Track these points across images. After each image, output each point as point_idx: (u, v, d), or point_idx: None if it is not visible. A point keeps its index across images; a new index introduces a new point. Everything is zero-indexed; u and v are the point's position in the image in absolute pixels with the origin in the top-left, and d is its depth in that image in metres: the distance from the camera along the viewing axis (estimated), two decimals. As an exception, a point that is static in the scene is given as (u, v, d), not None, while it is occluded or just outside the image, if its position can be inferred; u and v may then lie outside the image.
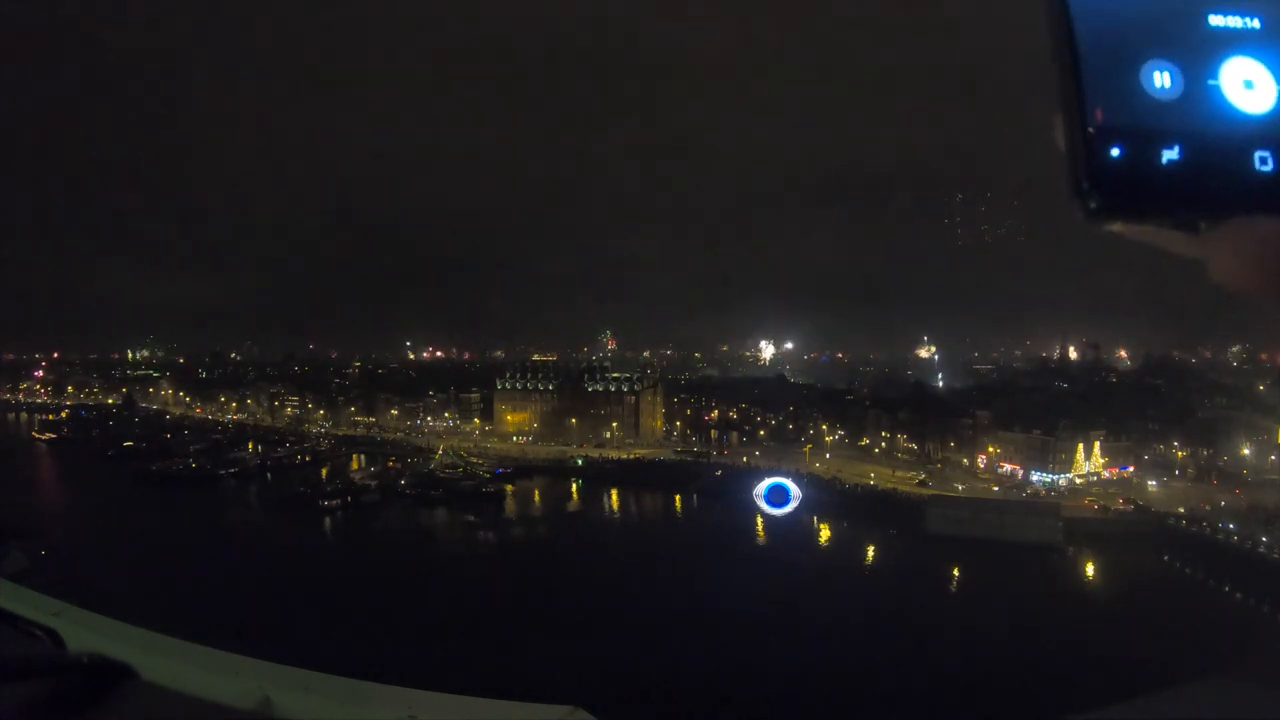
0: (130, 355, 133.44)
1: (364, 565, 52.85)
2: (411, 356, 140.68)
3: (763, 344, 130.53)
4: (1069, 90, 0.90)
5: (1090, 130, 0.88)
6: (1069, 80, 0.90)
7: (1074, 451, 70.03)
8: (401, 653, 27.71)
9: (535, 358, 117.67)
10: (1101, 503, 64.11)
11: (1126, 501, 63.59)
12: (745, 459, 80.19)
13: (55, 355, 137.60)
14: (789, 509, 49.60)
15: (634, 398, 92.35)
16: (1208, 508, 59.98)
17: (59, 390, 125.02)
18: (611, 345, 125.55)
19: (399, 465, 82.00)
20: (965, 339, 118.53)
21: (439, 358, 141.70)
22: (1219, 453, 70.15)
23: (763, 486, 50.77)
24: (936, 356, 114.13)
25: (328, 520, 67.77)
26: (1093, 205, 0.88)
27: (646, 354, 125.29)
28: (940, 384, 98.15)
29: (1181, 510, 60.18)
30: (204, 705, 1.92)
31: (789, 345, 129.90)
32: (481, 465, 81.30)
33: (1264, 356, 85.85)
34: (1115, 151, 0.88)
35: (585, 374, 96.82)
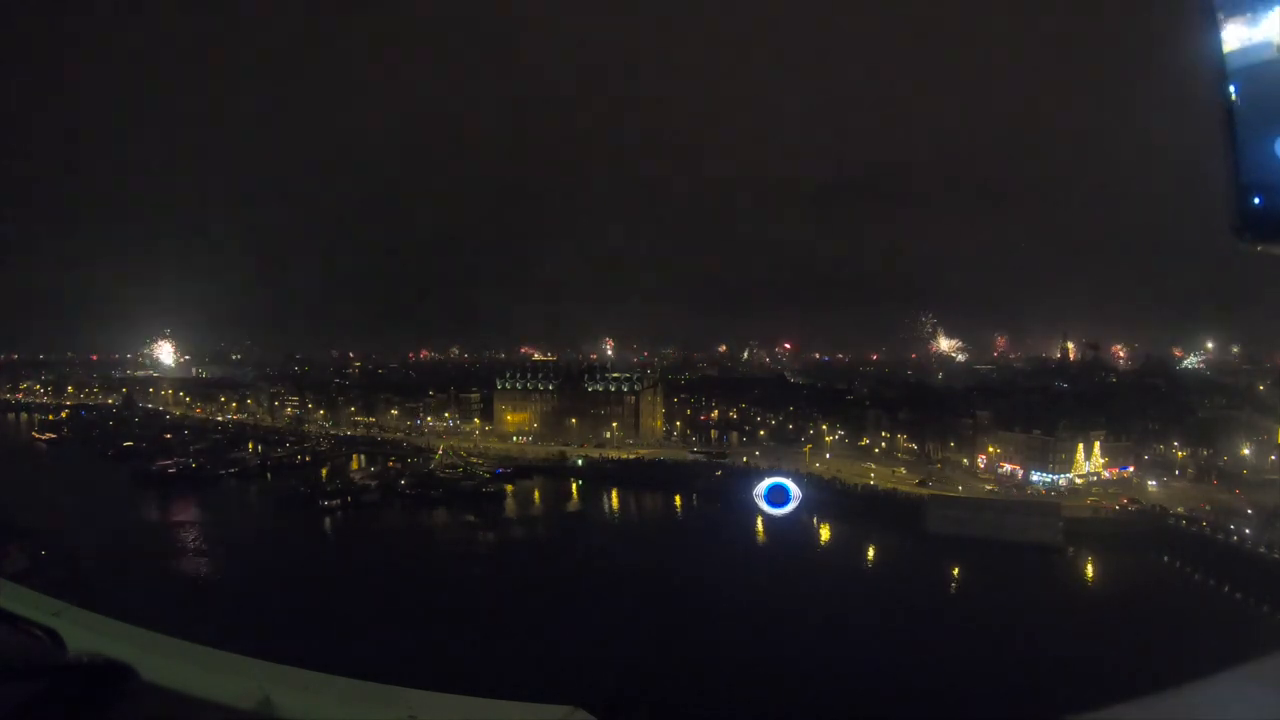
0: (144, 353, 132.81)
1: (364, 565, 52.82)
2: (412, 357, 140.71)
3: (761, 344, 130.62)
4: (1228, 155, 1.43)
5: (1240, 184, 1.43)
6: (1228, 149, 1.43)
7: (1074, 451, 70.01)
8: (401, 653, 27.73)
9: (535, 358, 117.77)
10: (1106, 502, 64.04)
11: (1131, 501, 63.52)
12: (745, 459, 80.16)
13: (55, 355, 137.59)
14: (789, 509, 49.47)
15: (634, 398, 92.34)
16: (1208, 508, 59.93)
17: (59, 390, 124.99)
18: (611, 347, 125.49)
19: (399, 465, 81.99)
20: (974, 339, 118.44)
21: (439, 358, 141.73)
22: (1219, 453, 70.12)
23: (763, 486, 50.59)
24: (958, 353, 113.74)
25: (328, 520, 67.74)
26: (1244, 236, 1.46)
27: (646, 354, 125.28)
28: (940, 382, 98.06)
29: (1181, 510, 60.14)
30: (204, 705, 1.92)
31: (789, 345, 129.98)
32: (481, 465, 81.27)
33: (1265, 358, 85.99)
34: (1257, 200, 1.45)
35: (585, 374, 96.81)
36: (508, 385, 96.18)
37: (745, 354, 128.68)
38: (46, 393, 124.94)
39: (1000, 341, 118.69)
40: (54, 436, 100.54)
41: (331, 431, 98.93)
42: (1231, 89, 1.43)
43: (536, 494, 76.96)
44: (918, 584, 49.38)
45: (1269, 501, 58.70)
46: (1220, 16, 1.45)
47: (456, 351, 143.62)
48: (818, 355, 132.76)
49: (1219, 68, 1.45)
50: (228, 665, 2.26)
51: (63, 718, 1.60)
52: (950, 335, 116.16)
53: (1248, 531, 54.44)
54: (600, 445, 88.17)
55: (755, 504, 49.92)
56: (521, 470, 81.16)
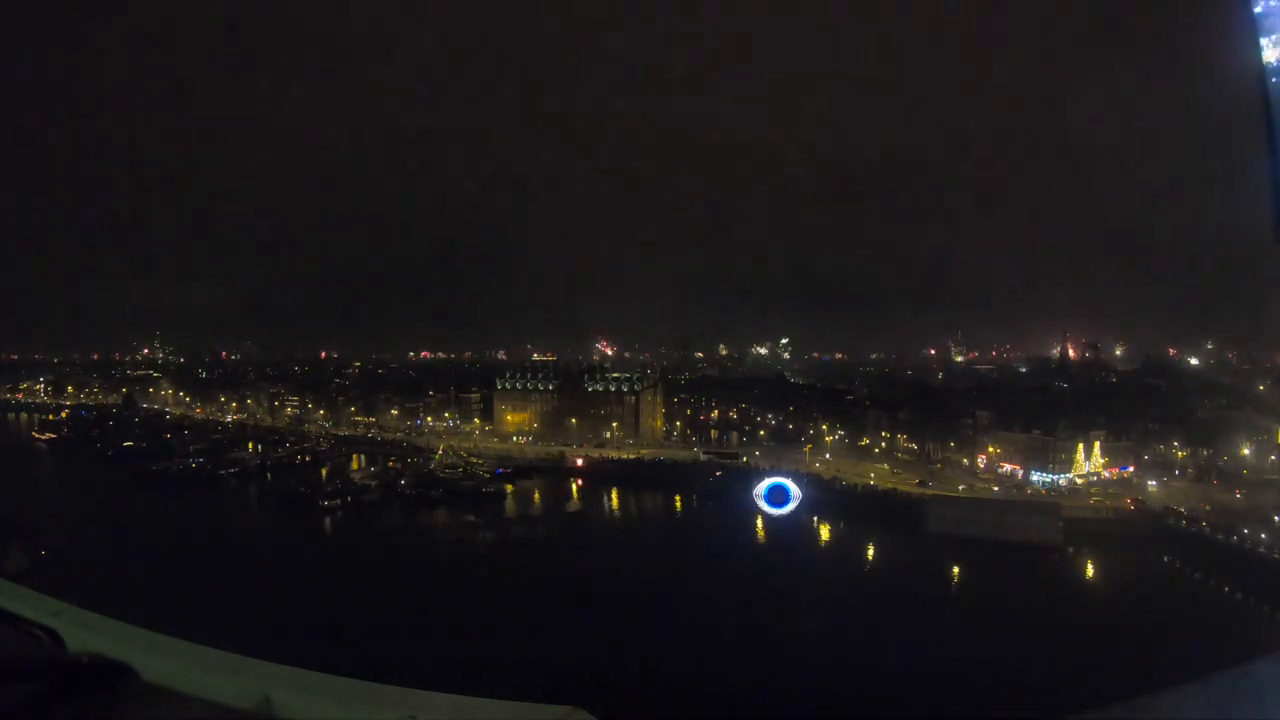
0: (145, 353, 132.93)
1: (364, 565, 52.84)
2: (412, 356, 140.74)
3: (762, 344, 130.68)
4: (1269, 166, 1.56)
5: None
6: (1269, 159, 1.56)
7: (1074, 451, 70.02)
8: (401, 653, 27.67)
9: (535, 358, 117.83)
10: (1111, 502, 64.03)
11: (1134, 501, 63.57)
12: (745, 459, 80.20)
13: (55, 355, 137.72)
14: (789, 509, 49.59)
15: (634, 398, 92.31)
16: (1208, 508, 59.91)
17: (59, 390, 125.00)
18: (608, 349, 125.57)
19: (399, 465, 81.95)
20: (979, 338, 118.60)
21: (439, 358, 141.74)
22: (1219, 453, 70.09)
23: (763, 486, 50.77)
24: (958, 352, 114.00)
25: (328, 520, 67.72)
26: None
27: (646, 354, 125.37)
28: (940, 382, 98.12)
29: (1181, 510, 60.15)
30: (204, 705, 1.92)
31: (789, 345, 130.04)
32: (481, 465, 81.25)
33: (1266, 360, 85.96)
34: None
35: (585, 374, 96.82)
36: (508, 385, 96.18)
37: (746, 354, 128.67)
38: (46, 393, 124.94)
39: (1000, 341, 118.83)
40: (54, 436, 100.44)
41: (331, 431, 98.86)
42: (1272, 100, 1.50)
43: (536, 494, 76.93)
44: (918, 583, 49.37)
45: (1269, 501, 58.70)
46: (1260, 28, 1.49)
47: (457, 352, 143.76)
48: (817, 355, 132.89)
49: (1259, 80, 1.50)
50: (228, 665, 2.26)
51: (63, 718, 1.60)
52: (951, 335, 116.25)
53: (1248, 532, 54.45)
54: (600, 445, 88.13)
55: (755, 504, 50.13)
56: (521, 470, 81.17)
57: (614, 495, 77.09)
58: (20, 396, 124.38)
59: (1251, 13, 1.51)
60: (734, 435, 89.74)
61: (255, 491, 77.75)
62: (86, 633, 2.26)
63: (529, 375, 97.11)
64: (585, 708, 2.07)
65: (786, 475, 59.17)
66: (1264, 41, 1.49)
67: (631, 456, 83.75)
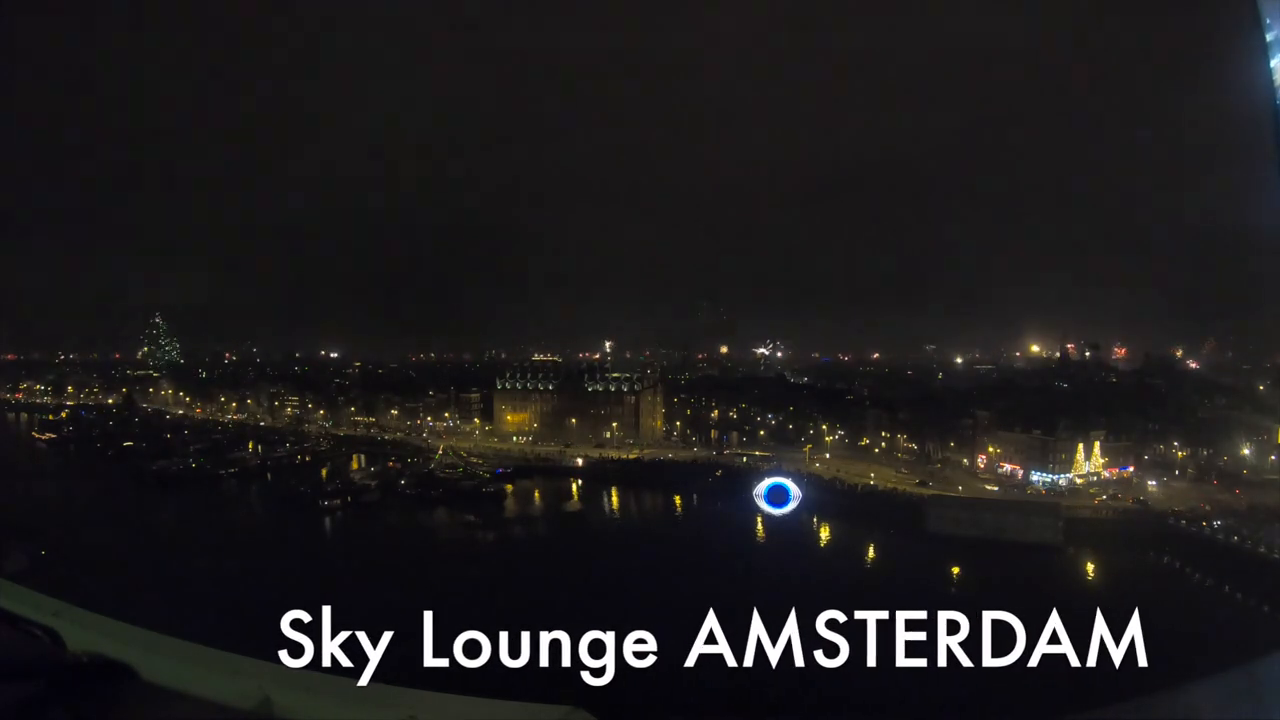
0: (146, 349, 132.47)
1: (364, 565, 52.83)
2: (412, 357, 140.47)
3: (763, 345, 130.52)
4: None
5: None
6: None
7: (1074, 451, 70.05)
8: (401, 653, 27.60)
9: (535, 358, 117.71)
10: (1114, 502, 64.12)
11: (1135, 501, 63.67)
12: (745, 459, 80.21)
13: (55, 355, 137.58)
14: (789, 509, 49.64)
15: (634, 398, 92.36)
16: (1208, 508, 59.97)
17: (59, 390, 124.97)
18: (611, 347, 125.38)
19: (399, 465, 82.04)
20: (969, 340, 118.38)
21: (439, 357, 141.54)
22: (1219, 453, 70.16)
23: (763, 486, 50.84)
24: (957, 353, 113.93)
25: (328, 520, 67.78)
26: None
27: (646, 354, 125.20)
28: (940, 382, 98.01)
29: (1181, 510, 60.19)
30: (204, 705, 1.93)
31: (789, 345, 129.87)
32: (481, 465, 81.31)
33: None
34: None
35: (585, 374, 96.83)
36: (508, 385, 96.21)
37: (746, 354, 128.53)
38: (46, 393, 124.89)
39: (1000, 341, 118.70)
40: (54, 436, 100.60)
41: (331, 431, 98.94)
42: None
43: (536, 494, 76.97)
44: (918, 584, 49.35)
45: (1269, 501, 58.75)
46: (1271, 53, 1.57)
47: (456, 352, 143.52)
48: (817, 355, 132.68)
49: (1271, 98, 1.60)
50: (228, 665, 2.26)
51: (63, 718, 1.60)
52: (951, 335, 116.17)
53: (1245, 531, 54.48)
54: (600, 445, 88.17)
55: (755, 503, 50.18)
56: (521, 470, 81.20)
57: (614, 495, 77.11)
58: (20, 396, 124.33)
59: (1263, 37, 1.60)
60: (734, 435, 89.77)
61: (255, 491, 77.81)
62: (86, 633, 2.27)
63: (529, 375, 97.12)
64: (585, 708, 2.07)
65: (786, 475, 59.23)
66: (1275, 66, 1.57)
67: (632, 456, 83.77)
